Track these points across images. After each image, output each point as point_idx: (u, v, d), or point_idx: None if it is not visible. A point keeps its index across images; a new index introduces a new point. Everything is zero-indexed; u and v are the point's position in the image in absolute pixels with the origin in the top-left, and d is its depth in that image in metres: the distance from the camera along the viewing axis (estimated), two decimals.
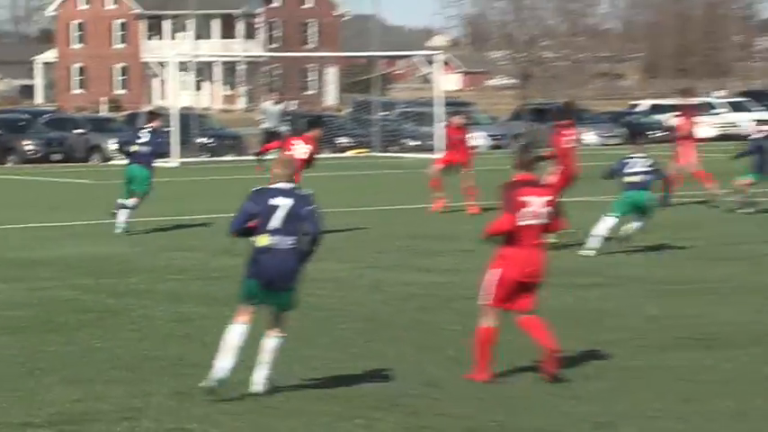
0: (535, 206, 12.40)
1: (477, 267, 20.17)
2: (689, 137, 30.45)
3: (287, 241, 11.75)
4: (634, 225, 21.44)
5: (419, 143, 54.86)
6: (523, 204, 12.39)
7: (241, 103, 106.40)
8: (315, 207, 11.92)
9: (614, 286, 18.25)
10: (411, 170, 33.13)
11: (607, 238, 21.39)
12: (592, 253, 21.14)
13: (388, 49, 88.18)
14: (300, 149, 23.96)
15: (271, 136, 40.61)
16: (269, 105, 45.30)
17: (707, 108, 72.48)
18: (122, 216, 24.54)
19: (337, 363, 13.33)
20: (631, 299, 17.18)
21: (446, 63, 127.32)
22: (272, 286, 11.78)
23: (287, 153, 23.88)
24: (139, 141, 25.52)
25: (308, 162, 24.04)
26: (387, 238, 24.24)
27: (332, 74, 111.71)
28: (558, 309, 16.48)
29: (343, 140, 60.57)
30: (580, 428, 10.78)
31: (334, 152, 59.04)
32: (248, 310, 11.84)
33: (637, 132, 68.99)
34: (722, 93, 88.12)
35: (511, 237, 12.41)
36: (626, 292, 17.71)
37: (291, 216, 11.75)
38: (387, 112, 60.99)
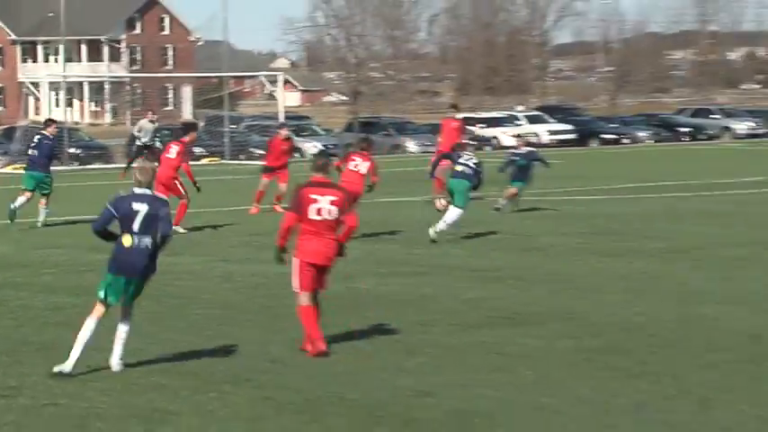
0: (322, 204, 12.64)
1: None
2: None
3: (145, 240, 11.68)
4: (450, 216, 22.22)
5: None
6: (312, 202, 12.64)
7: (107, 118, 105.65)
8: (167, 211, 11.86)
9: (434, 275, 18.36)
10: (256, 176, 33.07)
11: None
12: (435, 236, 21.89)
13: (237, 70, 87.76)
14: (173, 150, 24.84)
15: (145, 150, 40.24)
16: (145, 123, 44.59)
17: (512, 120, 73.57)
18: (41, 215, 24.88)
19: (193, 344, 13.21)
20: (449, 285, 17.29)
21: (287, 82, 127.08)
22: (131, 279, 11.73)
23: (165, 155, 24.96)
24: (32, 146, 25.69)
25: (180, 161, 24.75)
26: (236, 235, 24.11)
27: (187, 92, 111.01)
28: (385, 294, 16.59)
29: (197, 150, 60.37)
30: (403, 397, 10.81)
31: (191, 160, 58.54)
32: (102, 306, 11.77)
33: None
34: (522, 107, 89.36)
35: (304, 230, 12.68)
36: (444, 280, 17.82)
37: (148, 219, 11.69)
38: (235, 126, 61.05)
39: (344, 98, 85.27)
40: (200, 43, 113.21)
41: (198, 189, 25.16)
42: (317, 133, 71.46)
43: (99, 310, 11.81)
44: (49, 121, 27.22)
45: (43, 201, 25.04)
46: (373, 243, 22.41)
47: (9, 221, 24.73)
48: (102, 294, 11.80)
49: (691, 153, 58.35)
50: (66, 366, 11.65)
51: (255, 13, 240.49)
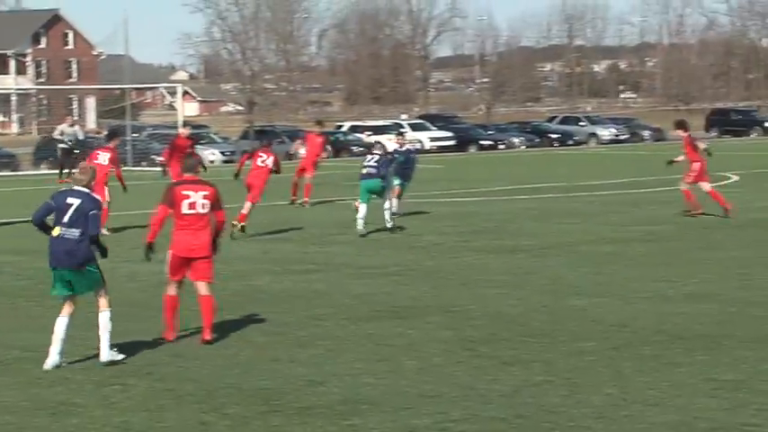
0: (195, 198, 12.86)
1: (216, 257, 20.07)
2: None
3: (73, 232, 11.68)
4: (385, 205, 23.59)
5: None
6: (185, 198, 12.87)
7: (14, 128, 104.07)
8: (97, 212, 11.84)
9: (326, 272, 18.34)
10: (156, 181, 32.81)
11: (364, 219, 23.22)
12: (363, 231, 22.83)
13: (138, 82, 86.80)
14: (102, 157, 25.30)
15: (68, 153, 39.59)
16: (65, 127, 43.77)
17: (397, 128, 73.86)
18: None
19: (96, 340, 13.02)
20: (339, 281, 17.28)
21: (186, 93, 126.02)
22: (60, 266, 11.69)
23: (93, 162, 24.44)
24: None
25: (113, 165, 25.48)
26: (139, 236, 23.82)
27: (91, 103, 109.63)
28: (280, 290, 16.53)
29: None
30: (297, 386, 10.79)
31: (152, 166, 57.87)
32: (66, 302, 11.83)
33: (341, 147, 70.05)
34: (405, 116, 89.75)
35: (177, 224, 12.95)
36: (335, 276, 17.81)
37: (79, 212, 11.71)
38: (137, 134, 60.51)
39: (240, 108, 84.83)
40: (102, 57, 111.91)
41: (125, 190, 26.12)
42: (215, 141, 71.02)
43: (64, 308, 11.87)
44: None
45: None
46: (268, 243, 22.35)
47: None
48: (52, 291, 11.92)
49: (560, 158, 59.05)
50: (48, 364, 11.60)
51: (155, 29, 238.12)
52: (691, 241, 21.12)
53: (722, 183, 36.13)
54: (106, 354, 11.84)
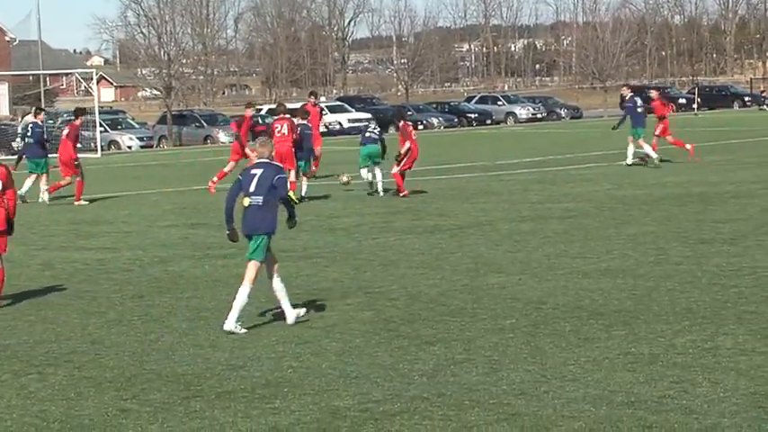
0: None
1: (131, 245, 19.97)
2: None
3: (257, 199, 12.43)
4: (378, 176, 27.02)
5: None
6: None
7: None
8: (281, 176, 12.55)
9: (242, 256, 18.16)
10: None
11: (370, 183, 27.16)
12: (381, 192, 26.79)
13: (53, 68, 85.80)
14: (64, 133, 27.94)
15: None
16: (29, 118, 43.46)
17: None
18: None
19: (14, 329, 12.89)
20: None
21: (102, 79, 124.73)
22: (252, 233, 12.59)
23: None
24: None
25: (74, 140, 27.66)
26: (55, 224, 23.60)
27: (4, 89, 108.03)
28: (200, 275, 16.44)
29: (15, 145, 59.00)
30: (218, 371, 10.73)
31: (11, 154, 57.11)
32: (263, 265, 12.58)
33: (258, 131, 69.87)
34: (323, 98, 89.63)
35: None
36: None
37: (261, 180, 12.41)
38: (53, 121, 59.61)
39: (157, 93, 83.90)
40: (15, 43, 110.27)
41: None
42: (133, 126, 70.37)
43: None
44: (38, 110, 30.75)
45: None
46: (188, 228, 22.21)
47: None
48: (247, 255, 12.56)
49: (479, 137, 59.35)
50: (228, 325, 12.27)
51: (69, 14, 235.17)
52: (607, 218, 21.34)
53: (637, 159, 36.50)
54: (291, 316, 12.64)
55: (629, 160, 33.01)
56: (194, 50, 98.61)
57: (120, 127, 67.46)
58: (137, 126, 70.21)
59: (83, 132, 55.31)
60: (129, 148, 64.03)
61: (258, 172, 12.56)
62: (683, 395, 9.40)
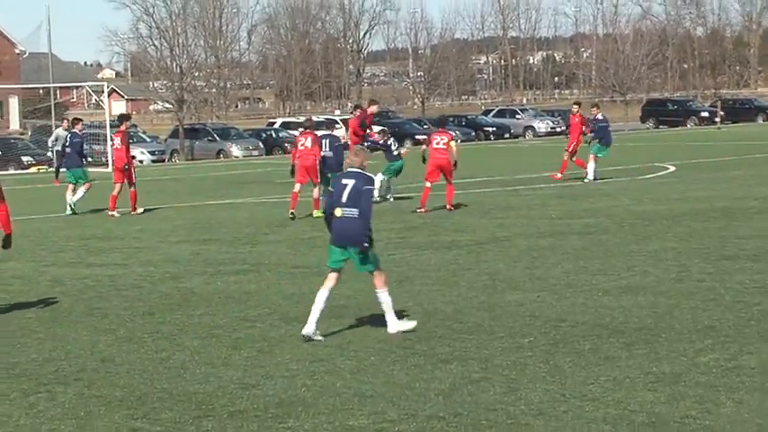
0: None
1: (142, 261, 20.01)
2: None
3: (352, 211, 12.68)
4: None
5: (91, 159, 54.19)
6: None
7: None
8: (369, 187, 12.80)
9: (258, 272, 18.28)
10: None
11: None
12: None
13: (63, 81, 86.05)
14: (116, 141, 28.32)
15: (62, 156, 40.00)
16: (60, 131, 43.86)
17: (332, 123, 73.96)
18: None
19: (24, 346, 12.91)
20: (272, 281, 17.23)
21: (113, 92, 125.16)
22: (341, 243, 12.82)
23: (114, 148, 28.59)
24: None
25: (125, 149, 28.14)
26: (65, 240, 23.66)
27: (14, 103, 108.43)
28: (212, 292, 16.44)
29: (26, 159, 59.30)
30: (230, 390, 10.73)
31: (20, 168, 57.44)
32: (332, 275, 12.85)
33: (274, 145, 69.89)
34: (339, 111, 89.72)
35: None
36: (267, 277, 17.75)
37: (354, 191, 12.65)
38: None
39: (169, 106, 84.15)
40: (25, 55, 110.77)
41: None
42: (144, 140, 70.59)
43: (327, 279, 12.86)
44: (76, 120, 31.03)
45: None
46: (200, 244, 22.24)
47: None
48: (328, 263, 12.93)
49: (497, 151, 59.36)
50: (308, 329, 12.60)
51: (80, 26, 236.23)
52: (627, 234, 21.29)
53: (659, 173, 36.52)
54: (394, 324, 12.83)
55: (591, 176, 33.85)
56: (207, 63, 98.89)
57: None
58: (148, 140, 70.45)
59: (93, 146, 55.63)
60: (141, 162, 64.21)
61: (350, 183, 12.76)
62: (705, 415, 9.36)
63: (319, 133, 27.96)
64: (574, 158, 34.73)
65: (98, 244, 22.85)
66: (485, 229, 22.74)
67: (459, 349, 12.09)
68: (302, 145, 26.65)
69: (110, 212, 28.27)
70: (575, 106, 37.39)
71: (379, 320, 13.76)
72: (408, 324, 13.03)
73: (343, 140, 28.28)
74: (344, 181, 12.83)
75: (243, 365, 11.72)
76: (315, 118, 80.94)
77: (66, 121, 45.22)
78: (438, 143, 27.02)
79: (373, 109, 30.46)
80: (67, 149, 29.70)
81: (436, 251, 19.89)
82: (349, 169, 12.99)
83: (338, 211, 12.73)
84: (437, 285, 16.27)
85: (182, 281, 17.56)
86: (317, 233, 23.06)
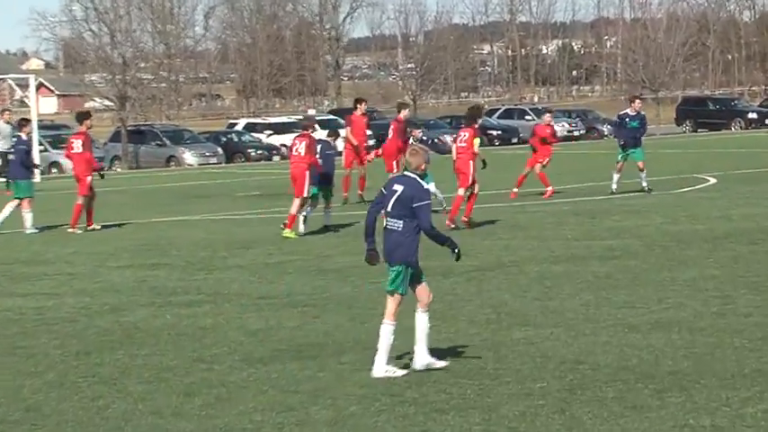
0: None
1: (76, 290, 20.01)
2: None
3: (396, 222, 12.86)
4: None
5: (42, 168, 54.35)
6: None
7: None
8: (422, 203, 12.84)
9: (216, 303, 18.29)
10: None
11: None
12: None
13: None
14: (77, 144, 28.88)
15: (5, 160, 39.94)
16: (2, 124, 43.61)
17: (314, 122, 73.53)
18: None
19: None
20: (233, 315, 17.24)
21: (41, 86, 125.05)
22: (387, 260, 13.08)
23: (70, 152, 29.16)
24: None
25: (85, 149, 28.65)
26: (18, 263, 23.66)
27: None
28: (160, 327, 16.45)
29: None
30: None
31: None
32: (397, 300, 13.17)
33: (234, 151, 69.89)
34: (313, 111, 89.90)
35: None
36: (227, 309, 17.76)
37: (401, 201, 12.78)
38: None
39: (109, 104, 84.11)
40: None
41: (102, 177, 30.10)
42: None
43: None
44: (24, 121, 30.81)
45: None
46: (146, 269, 22.25)
47: None
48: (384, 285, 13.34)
49: (503, 159, 59.44)
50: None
51: (1, 7, 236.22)
52: (659, 258, 21.37)
53: (697, 186, 36.67)
54: (381, 367, 12.89)
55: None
56: (155, 52, 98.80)
57: (63, 145, 67.70)
58: None
59: None
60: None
61: (399, 189, 12.89)
62: None
63: (317, 136, 27.85)
64: (539, 171, 35.05)
65: (23, 269, 22.85)
66: (488, 252, 22.80)
67: (456, 396, 12.11)
68: (296, 150, 26.83)
69: (70, 229, 28.70)
70: (547, 115, 37.81)
71: (362, 362, 13.78)
72: (398, 371, 13.04)
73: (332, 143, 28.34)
74: (395, 186, 12.97)
75: (197, 416, 11.72)
76: (286, 119, 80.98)
77: (7, 112, 44.97)
78: (461, 141, 27.64)
79: (405, 113, 32.97)
80: (11, 157, 29.58)
81: (430, 278, 19.88)
82: (405, 173, 13.08)
83: (384, 221, 12.90)
84: (431, 320, 16.26)
85: (124, 314, 17.56)
86: (285, 257, 23.09)
